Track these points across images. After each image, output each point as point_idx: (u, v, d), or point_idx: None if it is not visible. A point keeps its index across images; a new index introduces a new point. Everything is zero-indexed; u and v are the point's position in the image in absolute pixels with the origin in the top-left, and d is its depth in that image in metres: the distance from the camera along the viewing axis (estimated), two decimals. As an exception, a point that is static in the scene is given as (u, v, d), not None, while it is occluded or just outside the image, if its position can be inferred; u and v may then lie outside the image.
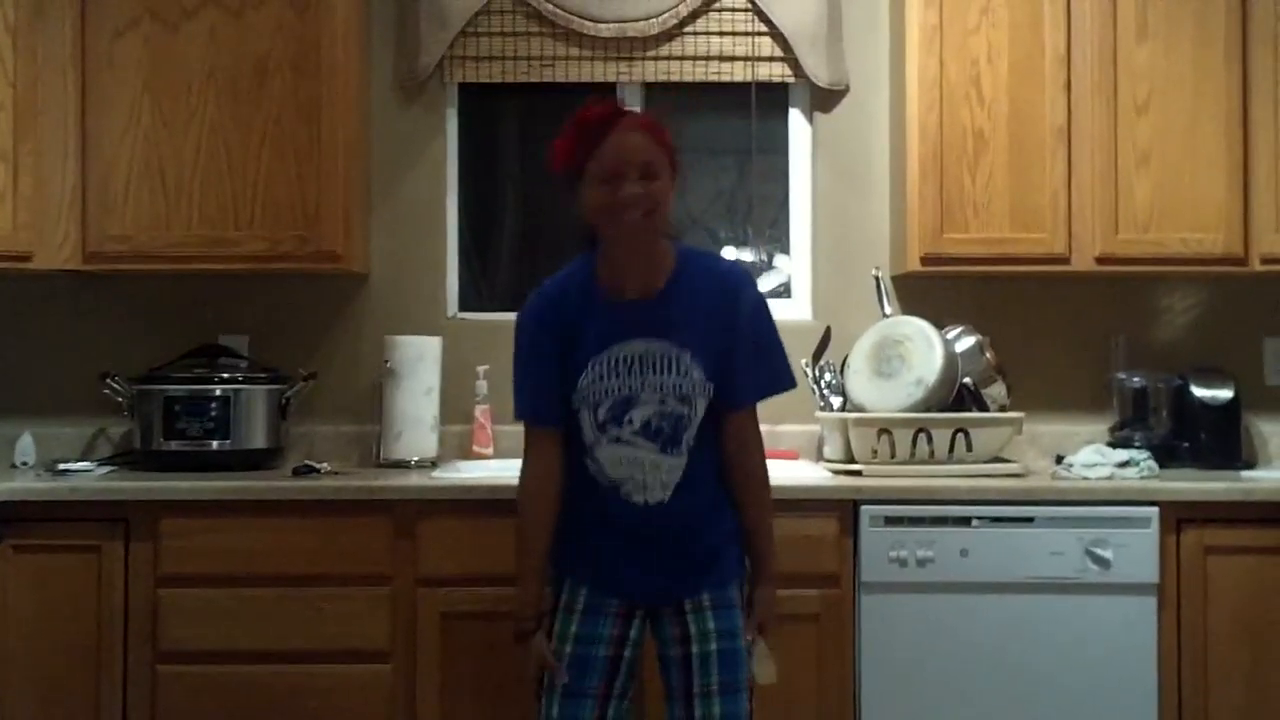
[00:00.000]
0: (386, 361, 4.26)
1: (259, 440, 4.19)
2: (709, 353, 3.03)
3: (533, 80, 4.57)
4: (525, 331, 3.13)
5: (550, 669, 3.04)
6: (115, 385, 4.20)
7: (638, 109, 3.04)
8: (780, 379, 3.15)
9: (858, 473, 3.96)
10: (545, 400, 3.08)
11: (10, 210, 4.02)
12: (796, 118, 4.70)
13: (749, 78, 4.59)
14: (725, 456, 3.13)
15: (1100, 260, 4.17)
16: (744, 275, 3.15)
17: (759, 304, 3.13)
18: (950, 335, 4.15)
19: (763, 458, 3.18)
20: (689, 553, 3.10)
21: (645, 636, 3.15)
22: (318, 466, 4.03)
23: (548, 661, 3.05)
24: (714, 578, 3.11)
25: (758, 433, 3.17)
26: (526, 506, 3.11)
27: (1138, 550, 3.74)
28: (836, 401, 4.26)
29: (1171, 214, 4.17)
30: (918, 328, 4.11)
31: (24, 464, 4.27)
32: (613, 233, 2.97)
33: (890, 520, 3.75)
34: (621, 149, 2.93)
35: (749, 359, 3.08)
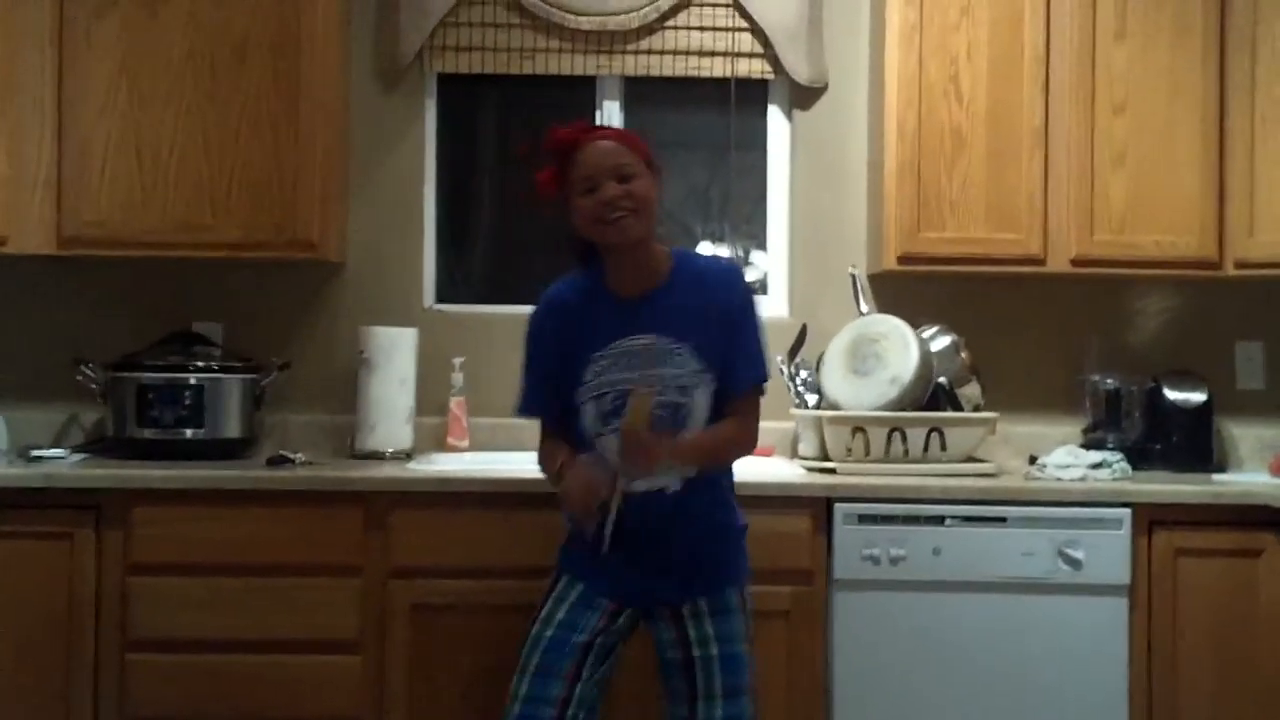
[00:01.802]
0: (362, 352, 4.25)
1: (233, 429, 4.17)
2: (706, 345, 3.13)
3: (512, 72, 4.56)
4: (529, 333, 3.26)
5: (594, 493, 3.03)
6: (88, 372, 4.18)
7: (608, 125, 3.13)
8: (765, 373, 3.25)
9: (832, 470, 3.96)
10: (549, 400, 3.21)
11: (-16, 192, 4.00)
12: (775, 114, 4.70)
13: (728, 73, 4.59)
14: None
15: (1075, 262, 4.19)
16: (738, 271, 3.35)
17: (748, 293, 3.25)
18: (926, 334, 4.16)
19: (749, 432, 3.24)
20: (689, 549, 3.17)
21: (630, 629, 3.21)
22: (292, 457, 4.01)
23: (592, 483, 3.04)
24: (713, 582, 3.19)
25: (754, 413, 3.24)
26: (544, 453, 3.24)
27: (1109, 551, 3.75)
28: (812, 399, 4.27)
29: (1146, 216, 4.19)
30: (893, 326, 4.12)
31: (-5, 449, 4.26)
32: (605, 237, 3.09)
33: (864, 518, 3.76)
34: (593, 156, 3.08)
35: (744, 347, 3.19)
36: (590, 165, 3.07)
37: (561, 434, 3.21)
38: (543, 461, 3.27)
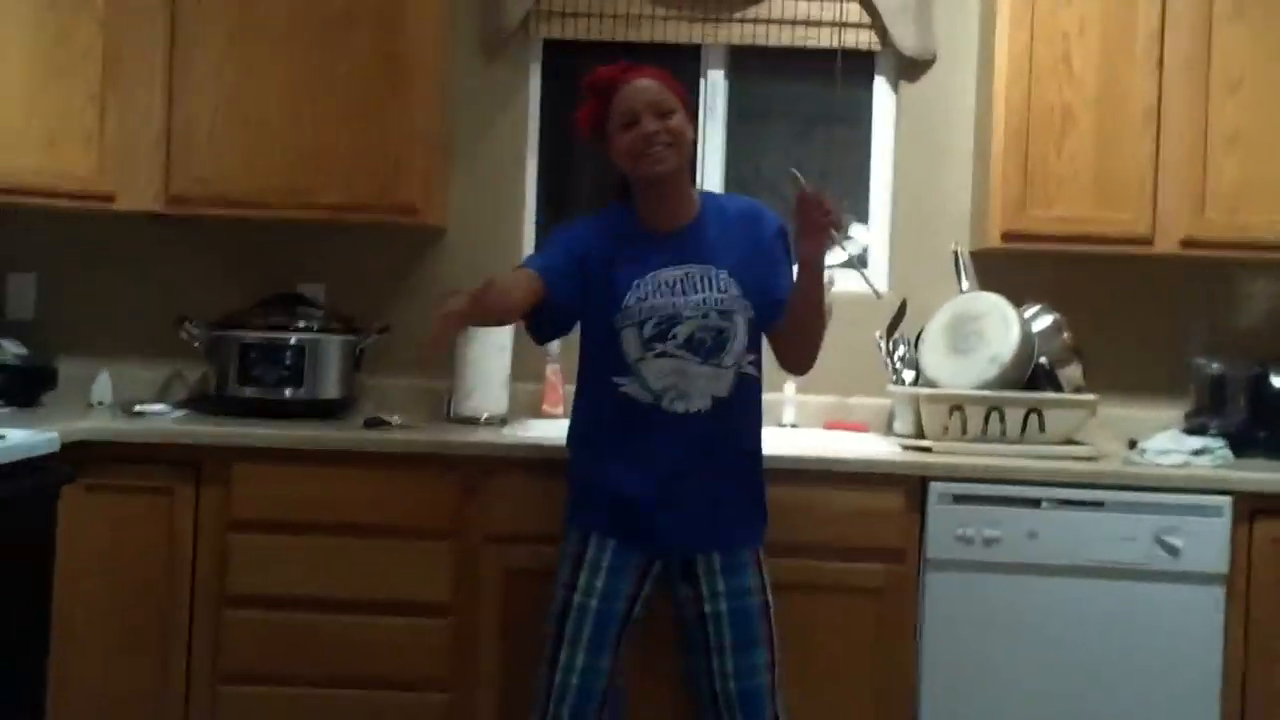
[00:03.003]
0: (461, 317, 4.27)
1: (331, 390, 4.22)
2: (744, 271, 3.26)
3: (618, 39, 4.56)
4: (568, 228, 3.39)
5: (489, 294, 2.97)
6: (192, 330, 4.24)
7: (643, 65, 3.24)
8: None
9: (927, 449, 3.93)
10: (555, 271, 3.22)
11: (97, 151, 4.07)
12: (881, 86, 4.66)
13: (834, 44, 4.55)
14: (784, 335, 3.34)
15: (1184, 243, 4.11)
16: (762, 204, 3.44)
17: (783, 225, 3.38)
18: (1028, 314, 4.11)
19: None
20: (719, 484, 3.27)
21: (654, 593, 3.34)
22: (389, 419, 4.05)
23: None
24: (731, 537, 3.29)
25: None
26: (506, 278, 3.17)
27: (1208, 540, 3.69)
28: (909, 376, 4.23)
29: (1259, 198, 4.10)
30: (995, 304, 4.07)
31: (100, 404, 4.32)
32: (643, 171, 3.21)
33: (958, 498, 3.73)
34: (634, 93, 3.21)
35: (779, 277, 3.33)
36: (631, 101, 3.19)
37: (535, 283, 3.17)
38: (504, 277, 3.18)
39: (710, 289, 3.23)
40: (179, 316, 4.27)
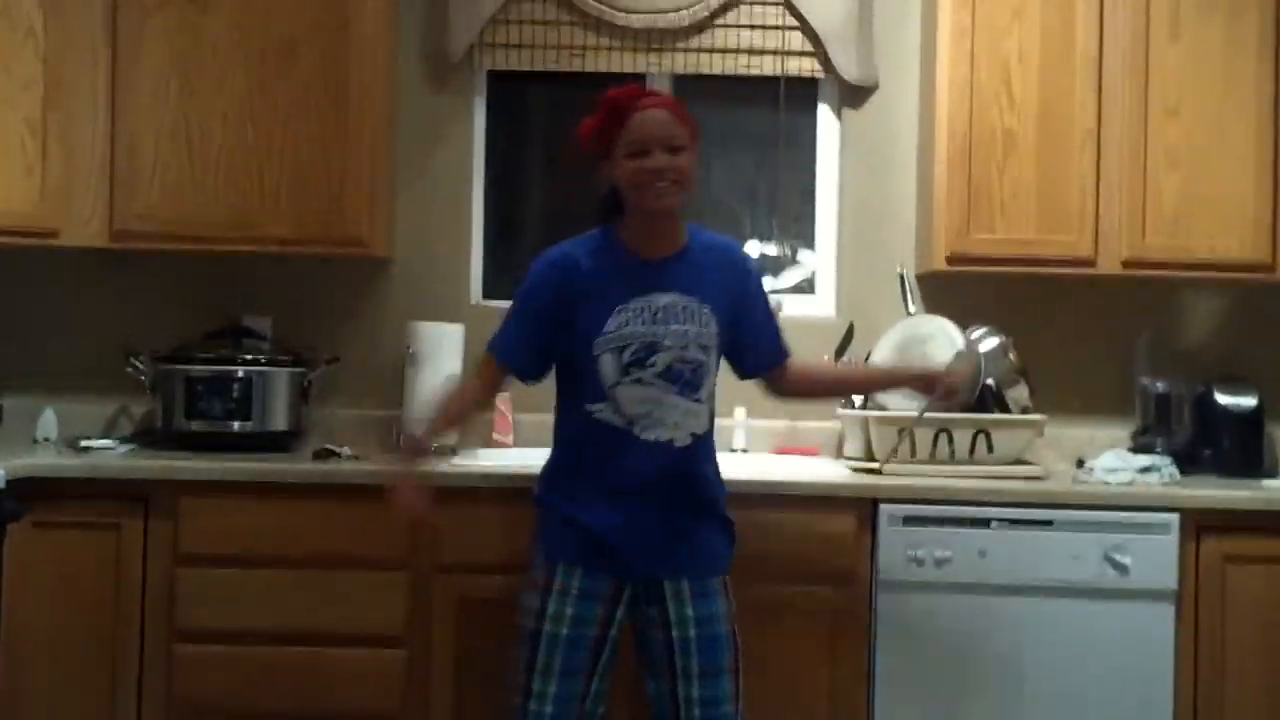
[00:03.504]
0: (409, 347, 4.26)
1: (280, 422, 4.19)
2: (723, 311, 3.28)
3: (562, 69, 4.57)
4: (533, 279, 3.32)
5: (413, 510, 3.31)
6: (138, 364, 4.21)
7: (660, 93, 3.24)
8: (786, 345, 3.50)
9: (878, 471, 3.95)
10: (520, 348, 3.31)
11: (38, 184, 4.04)
12: (825, 113, 4.69)
13: (778, 72, 4.58)
14: (809, 391, 3.68)
15: (1126, 264, 4.16)
16: (745, 251, 3.59)
17: (761, 275, 3.53)
18: (974, 336, 4.14)
19: None
20: (690, 514, 3.27)
21: (626, 617, 3.29)
22: (338, 450, 4.03)
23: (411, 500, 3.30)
24: (699, 565, 3.28)
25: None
26: (456, 390, 3.57)
27: (1157, 557, 3.72)
28: (858, 399, 4.25)
29: (1199, 218, 4.15)
30: (941, 327, 4.10)
31: (45, 440, 4.28)
32: (643, 202, 3.19)
33: (909, 519, 3.74)
34: (649, 124, 3.17)
35: (769, 319, 3.44)
36: (644, 130, 3.16)
37: (497, 381, 3.39)
38: (447, 397, 3.52)
39: (693, 322, 3.22)
40: (125, 351, 4.24)
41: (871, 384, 3.97)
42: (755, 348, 3.41)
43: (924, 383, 3.59)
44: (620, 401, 3.19)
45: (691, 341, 3.21)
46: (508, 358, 3.32)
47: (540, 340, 3.28)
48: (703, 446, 3.28)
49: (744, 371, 3.49)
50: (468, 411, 3.52)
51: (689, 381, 3.20)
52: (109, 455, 3.99)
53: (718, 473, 3.37)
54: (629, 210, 3.25)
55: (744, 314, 3.34)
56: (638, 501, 3.22)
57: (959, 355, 3.39)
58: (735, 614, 3.30)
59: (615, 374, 3.19)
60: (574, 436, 3.29)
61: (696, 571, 3.26)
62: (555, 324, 3.24)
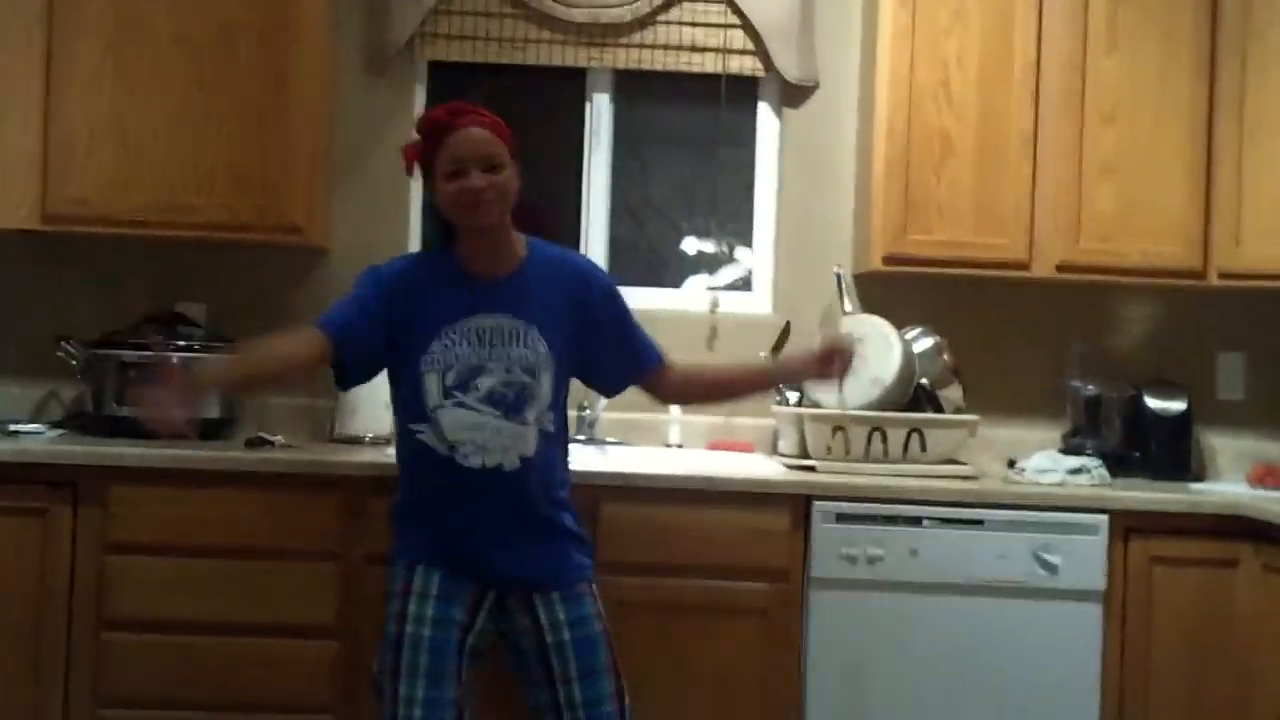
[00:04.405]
0: (344, 337, 4.23)
1: (212, 410, 4.15)
2: (555, 330, 3.22)
3: (503, 61, 4.56)
4: (365, 283, 3.29)
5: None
6: (70, 348, 4.16)
7: (479, 106, 3.21)
8: (656, 361, 3.42)
9: (811, 468, 3.96)
10: (345, 328, 3.21)
11: (-32, 167, 3.99)
12: (765, 112, 4.71)
13: (720, 69, 4.59)
14: (690, 395, 3.72)
15: (1060, 268, 4.20)
16: (592, 264, 3.51)
17: (612, 287, 3.39)
18: (909, 336, 4.17)
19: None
20: (530, 535, 3.22)
21: (490, 625, 3.25)
22: (271, 439, 4.01)
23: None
24: (557, 578, 3.24)
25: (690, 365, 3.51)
26: (273, 340, 3.28)
27: (1085, 557, 3.76)
28: (793, 397, 4.27)
29: (1133, 224, 4.20)
30: (876, 327, 4.12)
31: (-28, 423, 4.23)
32: (464, 221, 3.18)
33: (842, 517, 3.76)
34: (464, 143, 3.13)
35: (631, 337, 3.38)
36: (460, 149, 3.13)
37: (317, 344, 3.20)
38: (270, 341, 3.29)
39: (518, 344, 3.18)
40: (56, 335, 4.19)
41: (759, 380, 3.81)
42: (607, 363, 3.36)
43: (815, 364, 3.44)
44: (442, 425, 3.15)
45: (515, 364, 3.17)
46: (331, 331, 3.20)
47: (367, 322, 3.20)
48: (537, 469, 3.20)
49: (601, 387, 3.49)
50: (279, 367, 3.29)
51: (512, 404, 3.16)
52: (38, 439, 3.95)
53: (560, 493, 3.30)
54: (459, 232, 3.24)
55: (590, 330, 3.29)
56: (477, 524, 3.18)
57: (824, 320, 3.31)
58: (605, 614, 3.28)
59: (438, 396, 3.16)
60: (405, 456, 3.27)
61: (555, 585, 3.22)
62: (385, 333, 3.20)
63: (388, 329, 3.20)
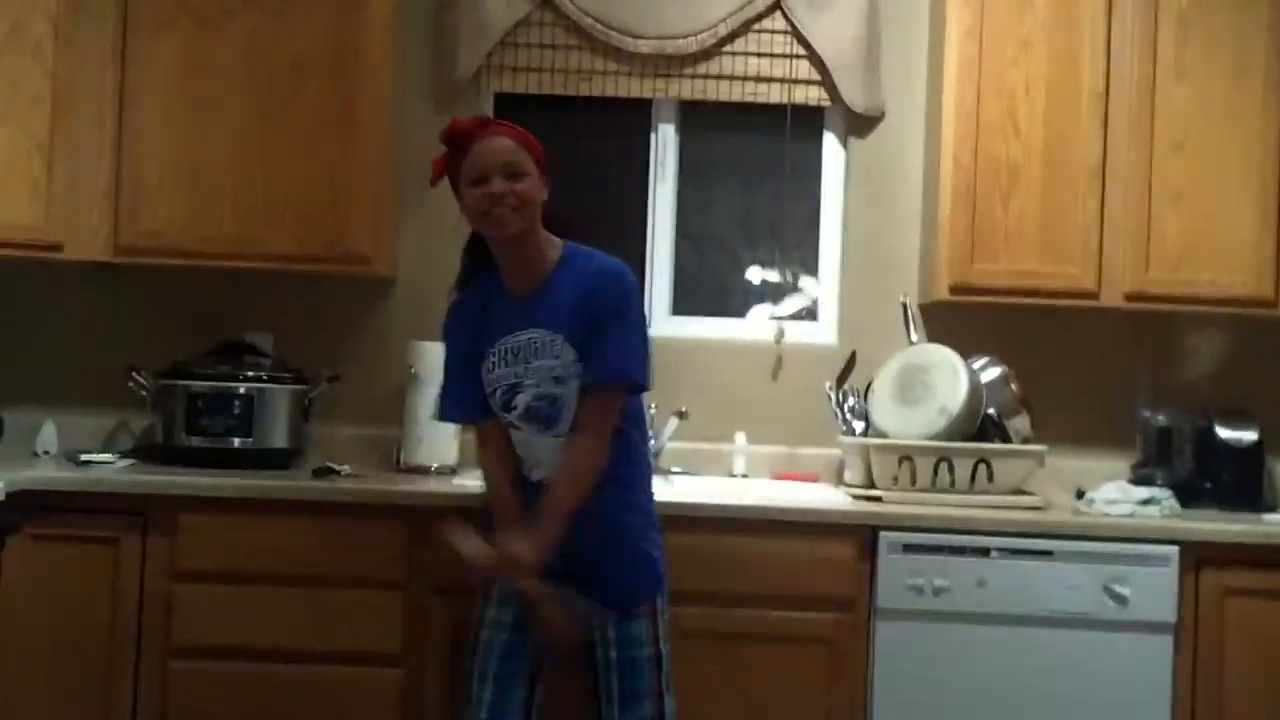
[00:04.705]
0: (410, 366, 4.26)
1: (280, 440, 4.19)
2: (576, 335, 3.19)
3: (569, 93, 4.59)
4: (448, 338, 3.41)
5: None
6: (139, 379, 4.21)
7: (504, 121, 3.28)
8: (625, 371, 3.22)
9: (878, 499, 3.94)
10: (466, 399, 3.33)
11: (44, 200, 4.04)
12: (830, 141, 4.70)
13: (785, 100, 4.59)
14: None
15: (1129, 297, 4.16)
16: (617, 269, 3.28)
17: (623, 294, 3.24)
18: (976, 365, 4.14)
19: (595, 445, 3.20)
20: (591, 549, 3.21)
21: None
22: (337, 468, 4.03)
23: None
24: (610, 598, 3.23)
25: (599, 418, 3.21)
26: (487, 472, 3.36)
27: (1156, 589, 3.72)
28: (859, 426, 4.25)
29: (1202, 254, 4.16)
30: (944, 356, 4.10)
31: (45, 453, 4.27)
32: (487, 232, 3.22)
33: (909, 547, 3.74)
34: (487, 151, 3.18)
35: (600, 343, 3.19)
36: (483, 159, 3.16)
37: (491, 429, 3.32)
38: (486, 478, 3.38)
39: (547, 355, 3.19)
40: (126, 366, 4.24)
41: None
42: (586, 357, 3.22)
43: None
44: (515, 443, 3.27)
45: (545, 376, 3.19)
46: (459, 410, 3.39)
47: (475, 382, 3.29)
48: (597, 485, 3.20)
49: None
50: (505, 469, 3.33)
51: (547, 417, 3.21)
52: (108, 469, 3.98)
53: (621, 500, 3.28)
54: (491, 246, 3.27)
55: (595, 326, 3.18)
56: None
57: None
58: (663, 636, 3.28)
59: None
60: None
61: (609, 603, 3.23)
62: (474, 362, 3.30)
63: (474, 364, 3.30)
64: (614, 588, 3.25)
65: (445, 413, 3.43)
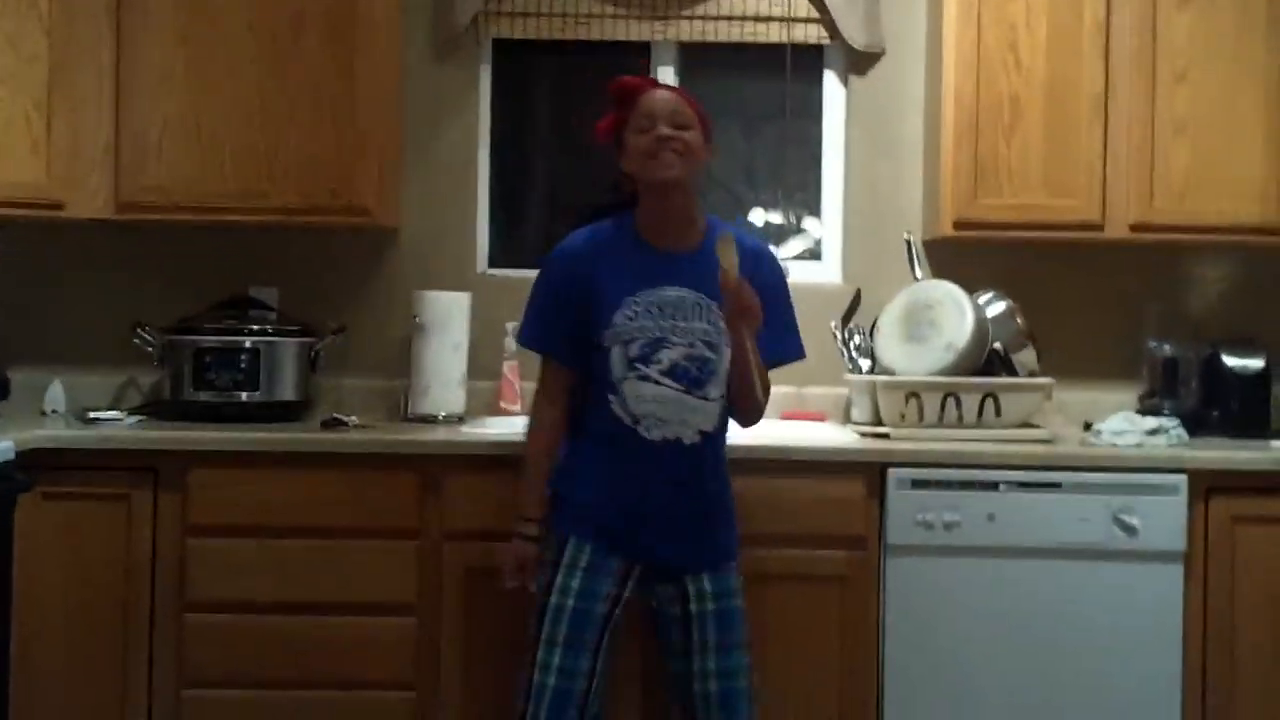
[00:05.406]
0: (416, 316, 4.26)
1: (288, 393, 4.21)
2: None
3: (568, 37, 4.56)
4: (549, 272, 3.36)
5: (525, 573, 3.31)
6: (146, 335, 4.22)
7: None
8: (792, 351, 3.45)
9: (885, 435, 3.95)
10: (551, 334, 3.33)
11: (44, 159, 4.02)
12: (831, 80, 4.68)
13: (784, 39, 4.57)
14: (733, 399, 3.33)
15: (1134, 228, 4.15)
16: (770, 250, 3.48)
17: (783, 275, 3.44)
18: (981, 300, 4.14)
19: (766, 392, 3.35)
20: (700, 508, 3.27)
21: (634, 596, 3.31)
22: (346, 420, 4.03)
23: (526, 564, 3.31)
24: (708, 558, 3.29)
25: (767, 381, 3.36)
26: (535, 436, 3.37)
27: (1165, 518, 3.72)
28: (865, 364, 4.25)
29: (1208, 184, 4.14)
30: (949, 292, 4.09)
31: (54, 412, 4.29)
32: (650, 173, 3.19)
33: (917, 483, 3.74)
34: (655, 101, 3.23)
35: (774, 324, 3.28)
36: (650, 106, 3.21)
37: (563, 382, 3.33)
38: (530, 445, 3.38)
39: (701, 319, 3.21)
40: (132, 323, 4.24)
41: (742, 351, 3.24)
42: (764, 338, 3.26)
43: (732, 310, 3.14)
44: (626, 397, 3.20)
45: (698, 338, 3.20)
46: (546, 345, 3.34)
47: (569, 330, 3.28)
48: (711, 444, 3.27)
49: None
50: (554, 446, 3.37)
51: (695, 379, 3.20)
52: (118, 426, 3.99)
53: (726, 471, 3.37)
54: (641, 194, 3.26)
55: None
56: (646, 497, 3.23)
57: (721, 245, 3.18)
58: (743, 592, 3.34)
59: (622, 368, 3.20)
60: (587, 426, 3.30)
61: (706, 564, 3.28)
62: (576, 314, 3.26)
63: (578, 310, 3.26)
64: (721, 543, 3.32)
65: (531, 340, 3.38)
